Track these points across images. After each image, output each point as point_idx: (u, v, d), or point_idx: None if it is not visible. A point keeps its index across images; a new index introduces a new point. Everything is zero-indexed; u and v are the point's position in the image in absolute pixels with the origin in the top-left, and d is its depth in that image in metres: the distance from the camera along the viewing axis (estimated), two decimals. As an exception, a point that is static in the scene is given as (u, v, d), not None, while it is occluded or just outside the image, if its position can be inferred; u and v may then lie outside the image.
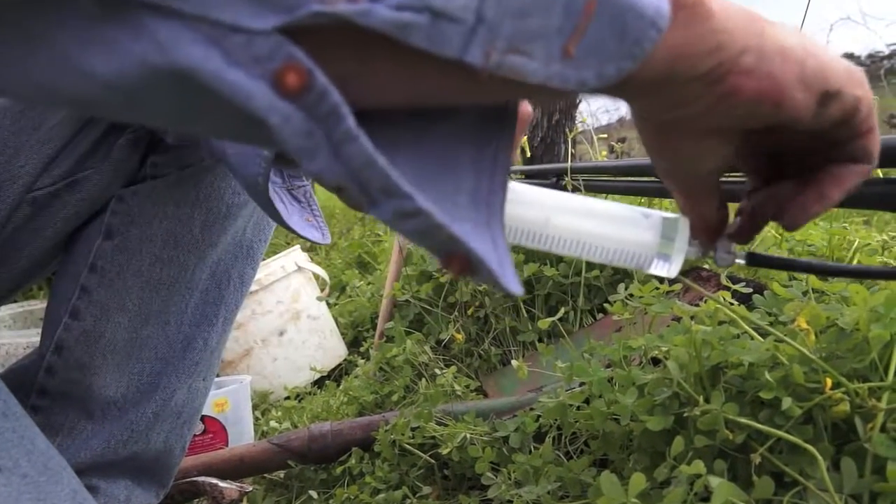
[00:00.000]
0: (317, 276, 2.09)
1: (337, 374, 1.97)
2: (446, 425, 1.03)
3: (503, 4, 0.23)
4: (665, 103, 0.32)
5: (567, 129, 1.97)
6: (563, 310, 1.04)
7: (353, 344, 2.06)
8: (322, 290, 2.11)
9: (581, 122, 2.19)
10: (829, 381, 0.59)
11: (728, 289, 0.81)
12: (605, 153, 2.10)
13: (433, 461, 1.03)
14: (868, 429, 0.56)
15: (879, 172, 0.96)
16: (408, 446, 1.04)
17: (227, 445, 1.39)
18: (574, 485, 0.79)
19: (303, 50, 0.21)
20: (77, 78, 0.23)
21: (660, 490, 0.66)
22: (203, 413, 1.10)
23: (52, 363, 0.74)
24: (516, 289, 0.27)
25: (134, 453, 0.79)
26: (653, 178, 1.16)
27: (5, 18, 0.23)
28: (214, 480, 1.04)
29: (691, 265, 1.14)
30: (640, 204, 1.46)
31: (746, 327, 0.69)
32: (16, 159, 0.66)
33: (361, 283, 2.29)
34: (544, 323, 0.92)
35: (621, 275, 1.33)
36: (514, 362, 0.94)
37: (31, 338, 1.74)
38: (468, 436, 0.97)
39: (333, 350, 2.00)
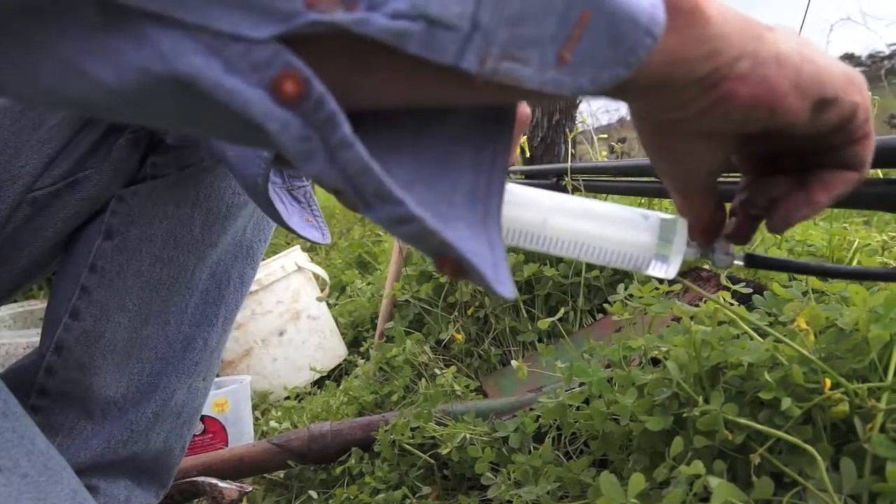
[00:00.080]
0: (317, 276, 2.09)
1: (337, 375, 1.97)
2: (446, 425, 1.03)
3: (498, 12, 0.23)
4: (662, 105, 0.32)
5: (567, 130, 1.97)
6: (562, 310, 1.04)
7: (353, 344, 2.07)
8: (322, 290, 2.11)
9: (581, 122, 2.19)
10: (828, 382, 0.59)
11: (728, 289, 0.81)
12: (605, 153, 2.10)
13: (433, 461, 1.03)
14: (867, 429, 0.56)
15: (879, 173, 0.96)
16: (407, 446, 1.04)
17: (226, 445, 1.39)
18: (573, 485, 0.79)
19: (300, 58, 0.22)
20: (80, 84, 0.23)
21: (659, 490, 0.66)
22: (203, 413, 1.10)
23: (51, 363, 0.74)
24: (508, 292, 0.27)
25: (134, 453, 0.79)
26: (653, 179, 1.16)
27: (6, 28, 0.23)
28: (214, 480, 1.05)
29: (691, 266, 1.14)
30: (640, 204, 1.46)
31: (746, 328, 0.69)
32: (16, 159, 0.66)
33: (361, 283, 2.29)
34: (544, 323, 0.92)
35: (621, 275, 1.33)
36: (513, 362, 0.95)
37: (31, 338, 1.74)
38: (468, 436, 0.97)
39: (333, 350, 2.00)
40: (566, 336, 0.98)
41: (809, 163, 0.39)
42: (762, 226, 0.43)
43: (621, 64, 0.27)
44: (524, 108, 0.46)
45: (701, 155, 0.36)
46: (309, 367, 1.91)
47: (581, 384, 0.85)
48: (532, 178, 1.71)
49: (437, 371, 1.33)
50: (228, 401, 1.42)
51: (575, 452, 0.88)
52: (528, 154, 2.39)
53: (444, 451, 0.98)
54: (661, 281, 0.79)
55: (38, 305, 2.16)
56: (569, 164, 1.45)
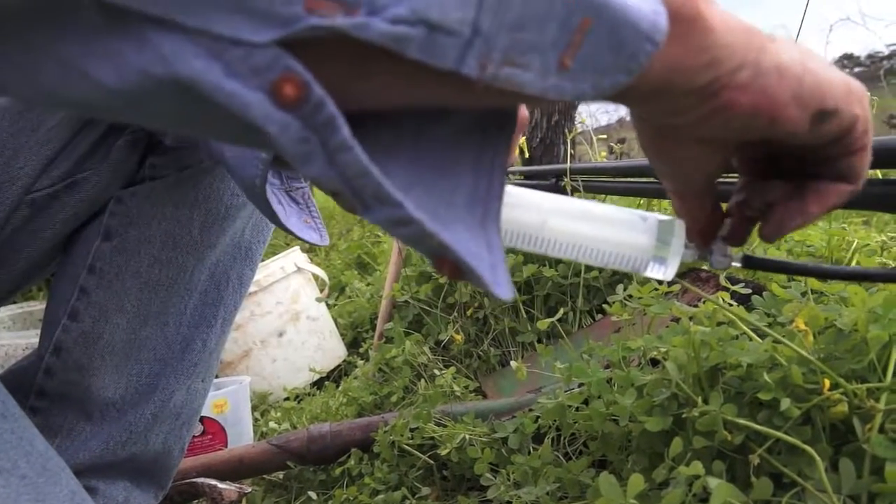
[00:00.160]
0: (316, 277, 2.09)
1: (336, 375, 1.97)
2: (445, 426, 1.03)
3: (499, 17, 0.23)
4: (662, 111, 0.32)
5: (566, 130, 1.97)
6: (562, 311, 1.04)
7: (353, 345, 2.07)
8: (321, 290, 2.11)
9: (580, 122, 2.19)
10: (827, 382, 0.59)
11: (727, 290, 0.81)
12: (604, 154, 2.09)
13: (432, 462, 1.03)
14: (866, 429, 0.57)
15: (878, 173, 0.97)
16: (407, 447, 1.04)
17: (226, 446, 1.39)
18: (573, 486, 0.79)
19: (300, 61, 0.22)
20: (81, 85, 0.23)
21: (658, 491, 0.66)
22: (202, 414, 1.11)
23: (50, 364, 0.74)
24: (506, 294, 0.27)
25: (132, 454, 0.79)
26: (652, 180, 1.16)
27: (7, 29, 0.23)
28: (213, 481, 1.04)
29: (689, 267, 1.14)
30: (639, 205, 1.46)
31: (745, 328, 0.69)
32: (14, 161, 0.66)
33: (361, 284, 2.29)
34: (543, 324, 0.92)
35: (620, 276, 1.33)
36: (513, 363, 0.95)
37: (31, 339, 1.74)
38: (467, 437, 0.97)
39: (333, 351, 2.00)
40: (565, 337, 0.98)
41: (807, 169, 0.39)
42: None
43: (622, 70, 0.27)
44: (523, 110, 0.46)
45: (700, 159, 0.37)
46: (308, 367, 1.91)
47: (580, 385, 0.85)
48: (531, 179, 1.71)
49: (437, 372, 1.33)
50: (228, 402, 1.42)
51: (574, 453, 0.88)
52: (527, 154, 2.39)
53: (444, 452, 0.98)
54: (660, 282, 0.80)
55: (38, 307, 2.16)
56: (568, 165, 1.45)
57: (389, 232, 0.26)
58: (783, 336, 0.64)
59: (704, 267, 1.16)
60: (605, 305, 1.01)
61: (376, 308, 1.96)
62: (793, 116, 0.33)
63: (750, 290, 0.80)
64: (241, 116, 0.22)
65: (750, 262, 0.44)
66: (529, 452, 0.91)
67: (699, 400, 0.66)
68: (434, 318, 1.54)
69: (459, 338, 1.40)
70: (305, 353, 1.93)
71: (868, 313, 0.60)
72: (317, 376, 1.91)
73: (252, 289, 1.77)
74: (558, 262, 1.41)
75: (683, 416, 0.67)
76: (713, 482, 0.57)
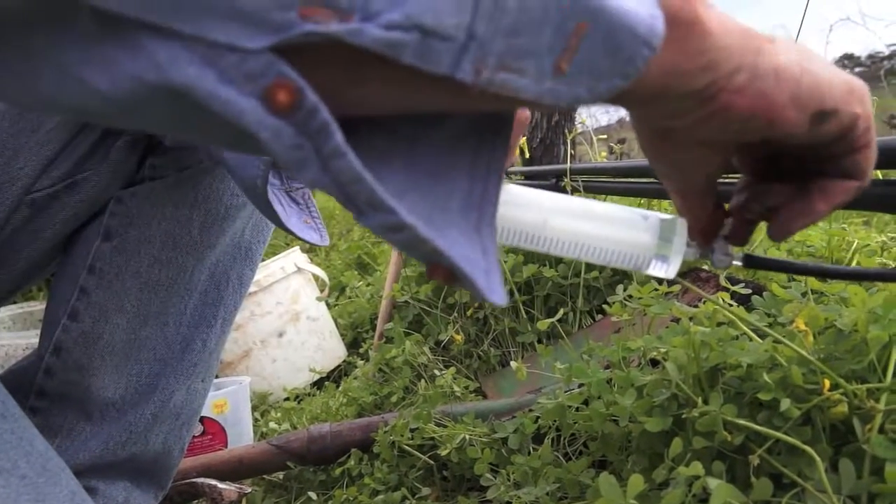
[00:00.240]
0: (316, 278, 2.09)
1: (336, 376, 1.97)
2: (445, 426, 1.03)
3: (495, 22, 0.23)
4: (660, 113, 0.33)
5: (566, 130, 1.97)
6: (562, 311, 1.04)
7: (353, 345, 2.07)
8: (322, 291, 2.11)
9: (580, 122, 2.19)
10: (827, 383, 0.59)
11: (727, 290, 0.81)
12: (604, 154, 2.09)
13: (432, 462, 1.03)
14: (866, 430, 0.56)
15: (879, 174, 0.97)
16: (407, 447, 1.04)
17: (226, 447, 1.39)
18: (573, 486, 0.79)
19: (294, 67, 0.22)
20: (78, 91, 0.24)
21: (658, 491, 0.66)
22: (202, 414, 1.11)
23: (50, 364, 0.74)
24: (500, 300, 0.27)
25: (132, 455, 0.79)
26: (652, 180, 1.16)
27: (6, 37, 0.23)
28: (213, 482, 1.04)
29: (690, 266, 1.14)
30: (639, 205, 1.46)
31: (745, 328, 0.69)
32: (14, 161, 0.66)
33: (361, 284, 2.29)
34: (543, 324, 0.92)
35: (620, 276, 1.33)
36: (513, 363, 0.95)
37: (31, 339, 1.74)
38: (467, 437, 0.97)
39: (333, 351, 2.00)
40: (565, 337, 0.98)
41: (810, 168, 0.39)
42: (762, 226, 0.43)
43: (619, 75, 0.27)
44: (523, 110, 0.46)
45: (699, 160, 0.37)
46: (308, 368, 1.91)
47: (580, 385, 0.85)
48: (531, 179, 1.71)
49: (437, 372, 1.33)
50: (228, 402, 1.42)
51: (574, 453, 0.88)
52: (527, 155, 2.39)
53: (444, 453, 0.98)
54: (660, 282, 0.79)
55: (38, 307, 2.16)
56: (568, 165, 1.45)
57: (384, 237, 0.26)
58: (783, 336, 0.64)
59: (705, 267, 1.16)
60: (605, 306, 1.01)
61: (376, 308, 1.96)
62: (791, 118, 0.33)
63: (750, 291, 0.80)
64: (235, 123, 0.22)
65: (751, 262, 0.44)
66: (529, 453, 0.91)
67: (699, 400, 0.66)
68: (434, 318, 1.54)
69: (459, 338, 1.40)
70: (305, 354, 1.93)
71: (868, 314, 0.60)
72: (317, 376, 1.91)
73: (252, 289, 1.77)
74: (558, 262, 1.41)
75: (683, 416, 0.67)
76: (713, 482, 0.57)
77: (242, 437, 1.44)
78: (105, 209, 0.72)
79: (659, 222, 0.40)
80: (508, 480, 0.87)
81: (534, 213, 0.39)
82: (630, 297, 0.82)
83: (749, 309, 0.75)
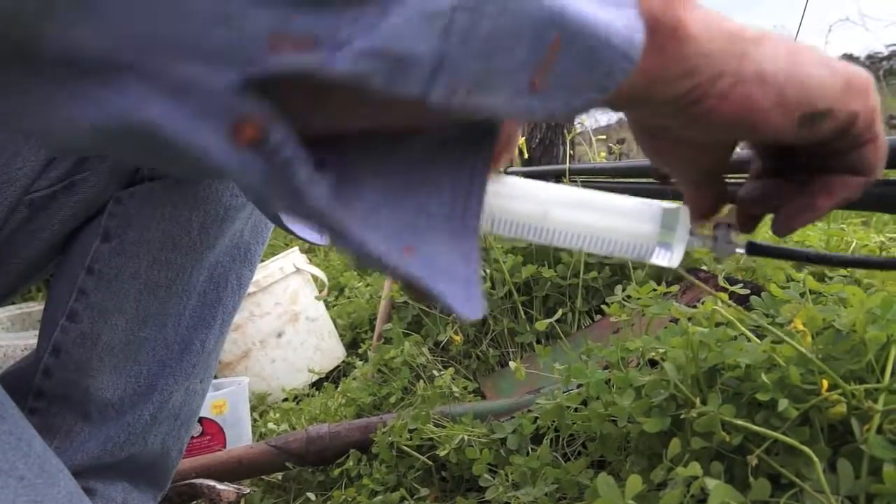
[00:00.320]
0: (315, 278, 2.09)
1: (335, 376, 1.97)
2: (444, 427, 1.03)
3: (466, 45, 0.23)
4: (646, 115, 0.32)
5: (565, 131, 1.97)
6: (560, 311, 1.04)
7: (352, 345, 2.06)
8: (321, 291, 2.11)
9: (579, 123, 2.19)
10: (825, 383, 0.59)
11: (725, 290, 0.81)
12: (603, 154, 2.10)
13: (431, 463, 1.03)
14: (864, 430, 0.57)
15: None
16: (406, 448, 1.04)
17: (224, 447, 1.39)
18: (571, 486, 0.79)
19: (260, 101, 0.21)
20: (54, 128, 0.23)
21: (657, 492, 0.66)
22: (201, 415, 1.11)
23: (49, 365, 0.74)
24: (475, 314, 0.27)
25: (131, 455, 0.79)
26: (651, 180, 1.16)
27: None
28: (212, 482, 1.04)
29: (688, 267, 1.14)
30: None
31: (743, 329, 0.69)
32: (13, 161, 0.66)
33: (360, 284, 2.29)
34: (542, 324, 0.92)
35: (619, 276, 1.33)
36: (511, 364, 0.95)
37: (29, 340, 1.73)
38: (466, 437, 0.97)
39: (331, 352, 2.00)
40: (564, 337, 0.98)
41: (818, 163, 0.38)
42: (765, 221, 0.43)
43: (595, 88, 0.26)
44: None
45: (694, 157, 0.37)
46: (307, 368, 1.91)
47: (579, 386, 0.85)
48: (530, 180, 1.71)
49: (436, 372, 1.33)
50: (227, 402, 1.42)
51: (573, 454, 0.88)
52: (526, 155, 2.39)
53: (443, 453, 0.98)
54: (658, 282, 0.79)
55: (36, 307, 2.16)
56: (567, 166, 1.45)
57: (358, 262, 0.26)
58: (782, 336, 0.64)
59: (703, 267, 1.16)
60: (603, 306, 1.01)
61: (375, 309, 1.96)
62: (775, 122, 0.32)
63: (748, 291, 0.80)
64: (202, 158, 0.22)
65: (753, 249, 0.44)
66: (528, 453, 0.91)
67: (697, 401, 0.66)
68: (433, 318, 1.54)
69: (458, 338, 1.40)
70: (304, 354, 1.93)
71: (866, 314, 0.60)
72: (316, 377, 1.91)
73: (251, 289, 1.77)
74: (557, 262, 1.41)
75: (682, 416, 0.67)
76: (711, 483, 0.57)
77: (241, 438, 1.44)
78: (104, 210, 0.72)
79: (661, 210, 0.40)
80: (507, 481, 0.87)
81: (534, 204, 0.38)
82: (629, 297, 0.82)
83: (747, 309, 0.75)
